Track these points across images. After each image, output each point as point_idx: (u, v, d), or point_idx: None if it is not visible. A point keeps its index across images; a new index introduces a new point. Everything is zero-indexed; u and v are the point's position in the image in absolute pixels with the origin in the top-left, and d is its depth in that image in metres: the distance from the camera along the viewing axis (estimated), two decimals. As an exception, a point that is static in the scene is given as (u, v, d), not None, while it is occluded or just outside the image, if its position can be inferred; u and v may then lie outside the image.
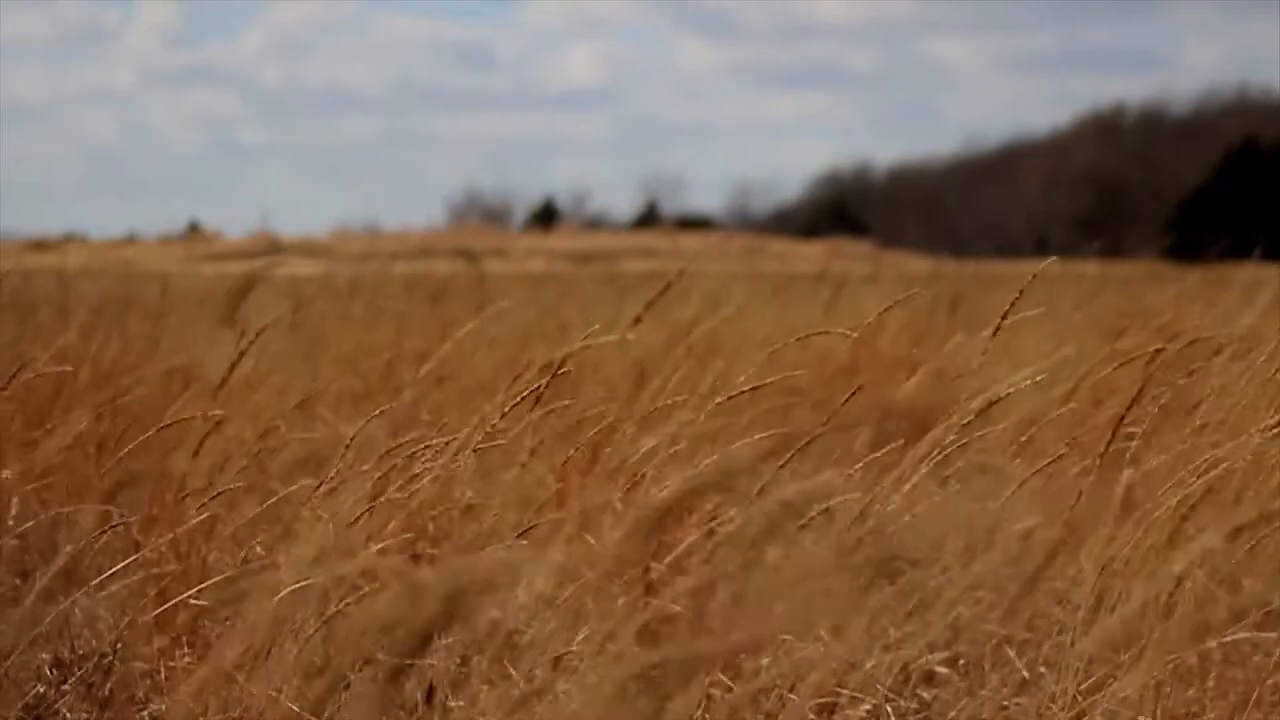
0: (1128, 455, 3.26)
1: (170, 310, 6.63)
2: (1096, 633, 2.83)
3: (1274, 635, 3.12)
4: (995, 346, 3.25)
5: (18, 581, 3.51)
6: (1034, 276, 3.14)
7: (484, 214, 64.35)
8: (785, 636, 2.82)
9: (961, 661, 3.35)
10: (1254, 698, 2.94)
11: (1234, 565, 2.99)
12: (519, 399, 3.10)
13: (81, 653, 3.20)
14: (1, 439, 3.86)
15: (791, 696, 2.83)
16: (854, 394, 3.19)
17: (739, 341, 5.63)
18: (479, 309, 5.56)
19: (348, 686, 2.10)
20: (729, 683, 2.84)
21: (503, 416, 3.07)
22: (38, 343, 5.02)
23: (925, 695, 3.25)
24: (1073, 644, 2.92)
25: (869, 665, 3.05)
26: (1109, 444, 3.20)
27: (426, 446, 3.08)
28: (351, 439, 3.08)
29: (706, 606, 2.69)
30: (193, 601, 3.11)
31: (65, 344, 4.75)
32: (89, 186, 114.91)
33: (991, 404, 3.05)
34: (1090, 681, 2.91)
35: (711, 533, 3.03)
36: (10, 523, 3.56)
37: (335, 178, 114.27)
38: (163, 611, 3.13)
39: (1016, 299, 3.17)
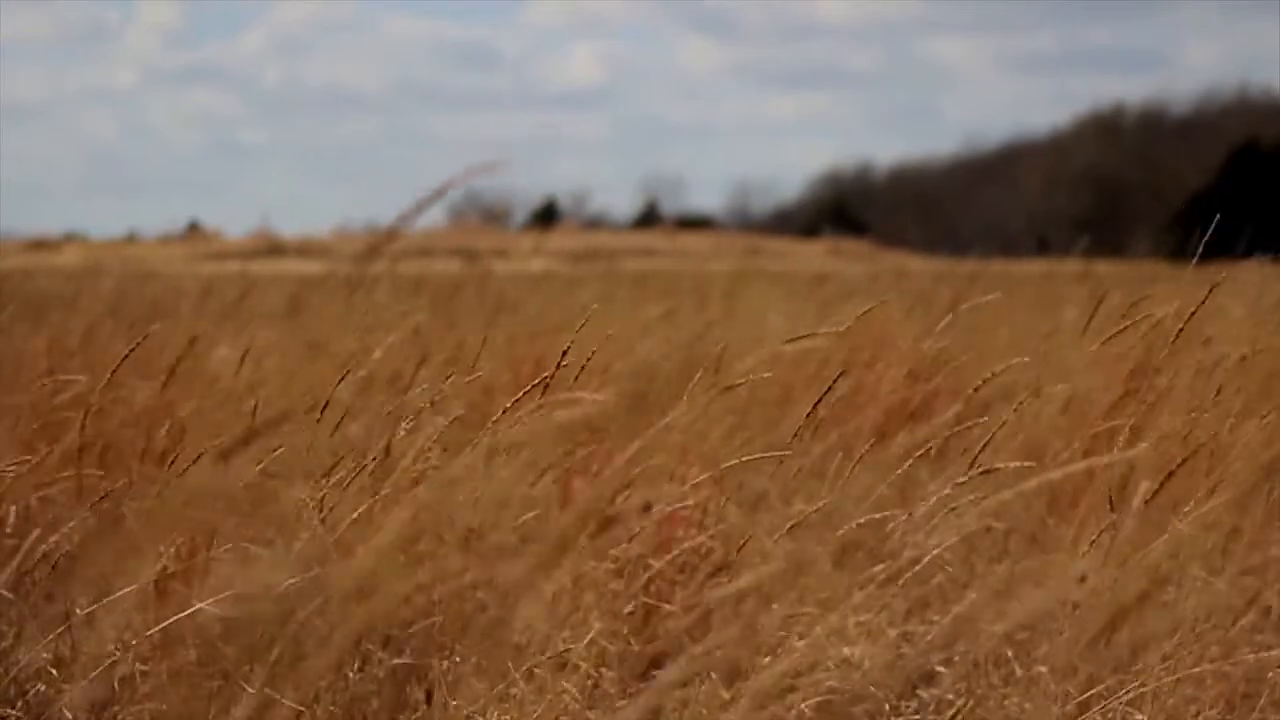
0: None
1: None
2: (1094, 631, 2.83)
3: (1274, 635, 3.12)
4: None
5: (18, 581, 3.50)
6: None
7: (484, 214, 64.37)
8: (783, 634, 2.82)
9: (959, 660, 3.35)
10: (1254, 698, 2.94)
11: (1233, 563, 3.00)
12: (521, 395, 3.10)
13: (82, 652, 3.20)
14: (5, 439, 3.86)
15: (792, 695, 2.83)
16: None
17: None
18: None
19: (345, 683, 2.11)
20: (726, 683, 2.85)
21: (504, 412, 3.07)
22: (45, 342, 5.02)
23: (925, 695, 3.25)
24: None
25: (869, 665, 3.05)
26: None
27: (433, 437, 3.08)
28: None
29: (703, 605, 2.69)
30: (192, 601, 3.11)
31: (70, 345, 4.75)
32: (89, 186, 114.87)
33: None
34: (1090, 680, 2.92)
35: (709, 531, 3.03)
36: (11, 523, 3.56)
37: (335, 178, 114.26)
38: (163, 611, 3.13)
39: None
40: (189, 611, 2.96)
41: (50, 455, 3.71)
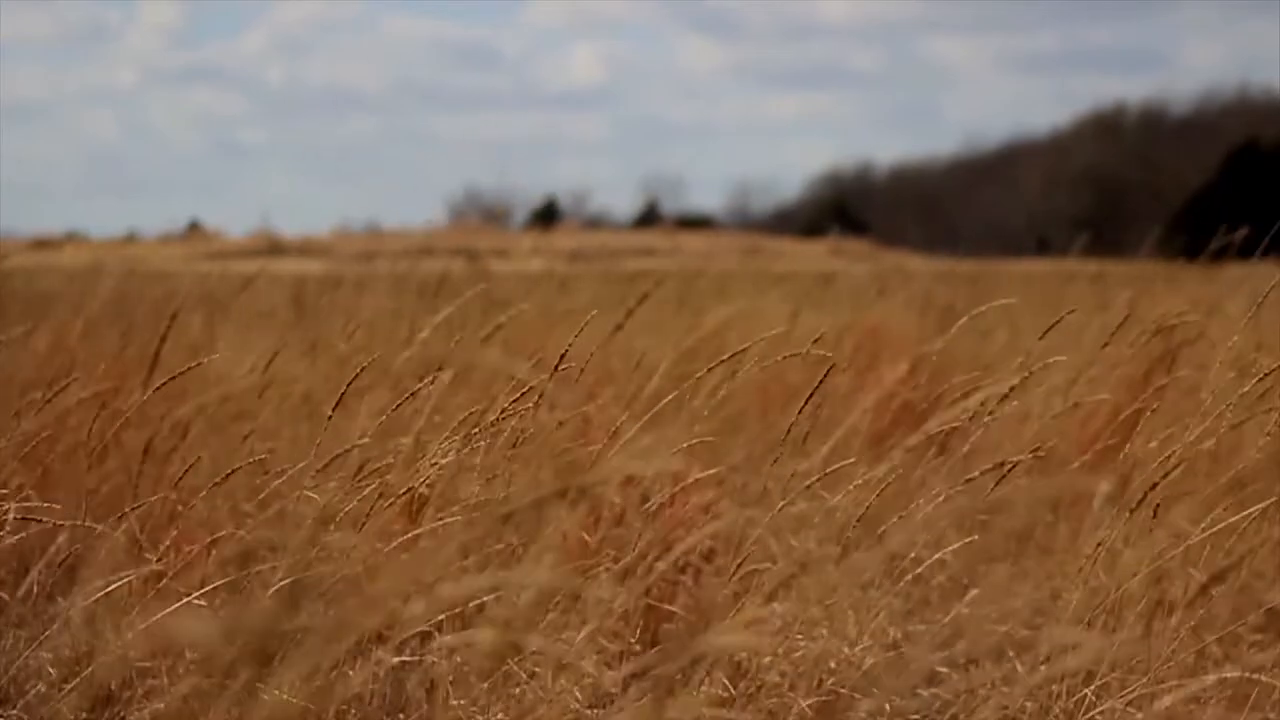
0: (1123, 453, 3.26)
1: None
2: (1094, 631, 2.83)
3: (1274, 635, 3.12)
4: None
5: (19, 581, 3.51)
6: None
7: (484, 214, 64.39)
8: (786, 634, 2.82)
9: (962, 660, 3.35)
10: (1253, 698, 2.94)
11: (1233, 563, 3.00)
12: (521, 393, 3.10)
13: (82, 652, 3.20)
14: (7, 439, 3.87)
15: (792, 694, 2.83)
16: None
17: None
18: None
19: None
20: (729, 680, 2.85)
21: (502, 414, 3.07)
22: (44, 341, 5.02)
23: (925, 694, 3.25)
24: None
25: (869, 664, 3.05)
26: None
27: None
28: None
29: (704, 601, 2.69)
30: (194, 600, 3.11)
31: (70, 344, 4.75)
32: (90, 186, 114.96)
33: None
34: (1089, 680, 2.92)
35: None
36: (11, 519, 3.56)
37: (336, 177, 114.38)
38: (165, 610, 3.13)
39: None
40: (183, 601, 2.96)
41: (53, 456, 3.72)
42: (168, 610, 3.03)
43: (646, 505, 3.21)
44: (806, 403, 3.11)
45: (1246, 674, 2.81)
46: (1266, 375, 3.22)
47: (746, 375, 3.37)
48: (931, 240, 52.68)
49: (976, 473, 3.06)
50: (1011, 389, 3.09)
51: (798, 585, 3.05)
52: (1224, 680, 2.93)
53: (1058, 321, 3.21)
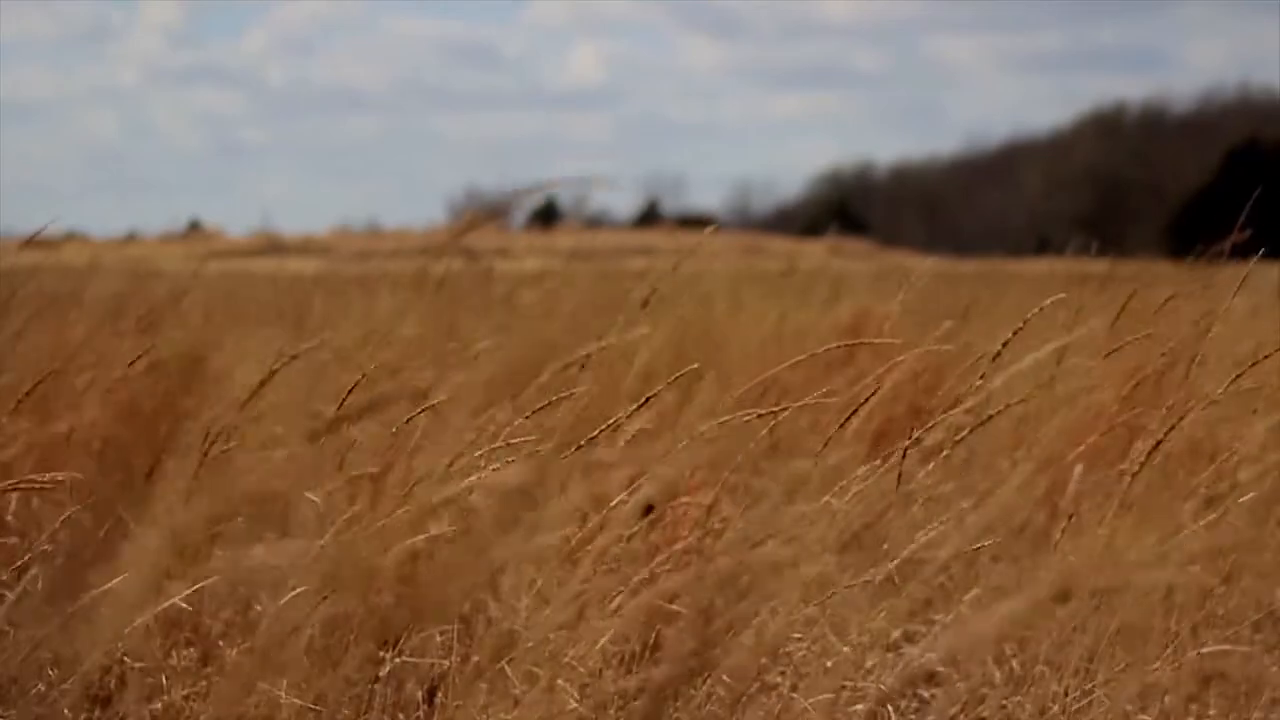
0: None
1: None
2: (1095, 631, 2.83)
3: (1274, 636, 3.12)
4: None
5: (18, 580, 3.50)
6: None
7: (485, 213, 64.34)
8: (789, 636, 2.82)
9: (959, 659, 3.35)
10: (1255, 698, 2.94)
11: (1233, 563, 3.00)
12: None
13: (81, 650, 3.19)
14: (6, 437, 3.87)
15: (793, 695, 2.83)
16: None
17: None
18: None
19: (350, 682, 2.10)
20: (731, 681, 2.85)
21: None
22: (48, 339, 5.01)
23: (925, 694, 3.26)
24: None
25: (869, 664, 3.05)
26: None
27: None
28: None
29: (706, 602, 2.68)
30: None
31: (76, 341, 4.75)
32: (91, 185, 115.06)
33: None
34: (1090, 680, 2.92)
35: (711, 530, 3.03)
36: (10, 519, 3.56)
37: (336, 177, 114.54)
38: (164, 610, 3.13)
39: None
40: (188, 591, 2.96)
41: (54, 454, 3.71)
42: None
43: (649, 515, 3.22)
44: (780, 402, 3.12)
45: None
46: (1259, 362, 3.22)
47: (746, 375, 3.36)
48: (933, 240, 52.74)
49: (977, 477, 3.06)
50: (1006, 343, 3.08)
51: (799, 585, 3.05)
52: (1224, 679, 2.93)
53: (1032, 316, 3.21)
